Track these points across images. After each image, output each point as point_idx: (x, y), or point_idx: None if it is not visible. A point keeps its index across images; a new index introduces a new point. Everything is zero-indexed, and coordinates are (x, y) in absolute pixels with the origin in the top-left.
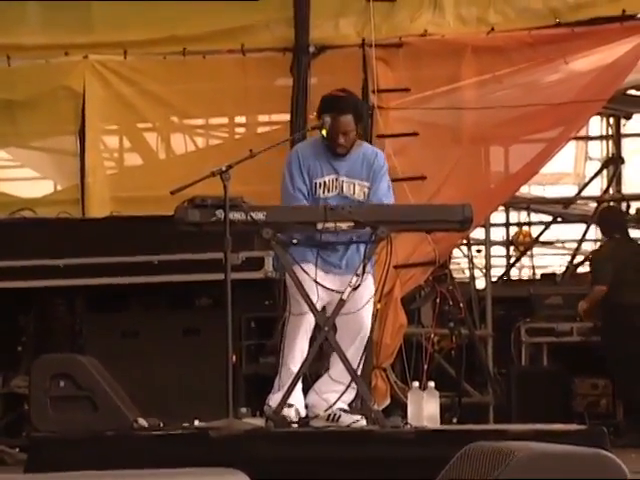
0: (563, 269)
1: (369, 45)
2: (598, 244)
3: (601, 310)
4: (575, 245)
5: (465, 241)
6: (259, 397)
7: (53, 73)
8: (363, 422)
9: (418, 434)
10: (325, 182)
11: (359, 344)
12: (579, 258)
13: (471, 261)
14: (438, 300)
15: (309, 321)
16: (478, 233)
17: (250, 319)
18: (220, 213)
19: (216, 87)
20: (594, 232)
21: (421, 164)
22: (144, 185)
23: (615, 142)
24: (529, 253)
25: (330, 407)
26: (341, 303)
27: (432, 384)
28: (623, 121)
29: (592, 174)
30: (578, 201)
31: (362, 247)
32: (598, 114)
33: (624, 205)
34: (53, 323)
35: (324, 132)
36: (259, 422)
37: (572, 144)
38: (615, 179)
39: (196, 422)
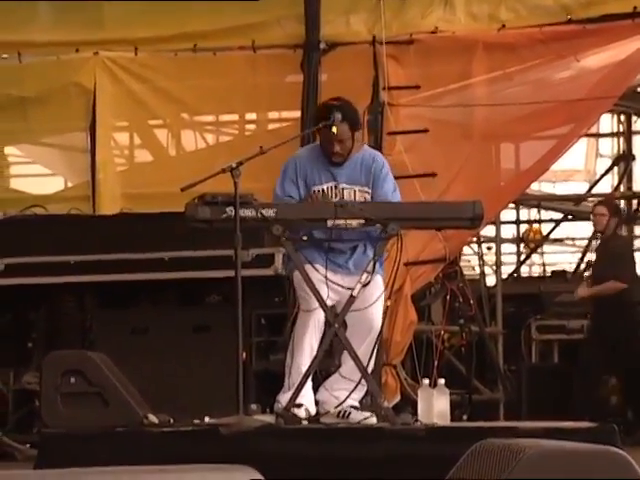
0: (573, 266)
1: (380, 42)
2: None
3: (616, 306)
4: (585, 242)
5: (475, 238)
6: (269, 394)
7: (64, 70)
8: (373, 419)
9: (428, 431)
10: (324, 190)
11: (369, 342)
12: (589, 255)
13: (481, 258)
14: (448, 297)
15: (318, 318)
16: (488, 230)
17: (260, 316)
18: (230, 210)
19: (226, 84)
20: None
21: (432, 161)
22: (154, 182)
23: (626, 139)
24: (539, 250)
25: (340, 404)
26: (351, 300)
27: (442, 381)
28: (634, 118)
29: (603, 171)
30: (589, 198)
31: (369, 249)
32: (609, 111)
33: (635, 202)
34: (63, 319)
35: (334, 129)
36: (269, 419)
37: (583, 141)
38: (626, 176)
39: (206, 418)
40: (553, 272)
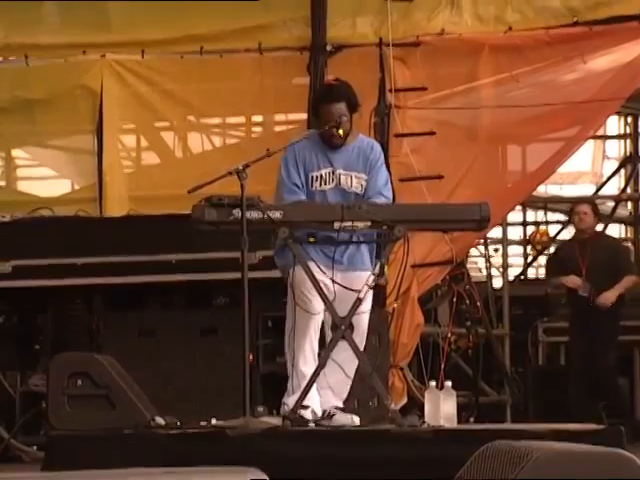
0: None
1: (386, 44)
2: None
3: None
4: None
5: (482, 240)
6: (276, 396)
7: (71, 72)
8: (357, 420)
9: (435, 433)
10: (322, 175)
11: (358, 342)
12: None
13: (488, 260)
14: (455, 299)
15: (318, 321)
16: (495, 232)
17: (267, 318)
18: (237, 212)
19: (233, 86)
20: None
21: (438, 163)
22: (161, 184)
23: (633, 141)
24: (546, 252)
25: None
26: (358, 302)
27: (449, 383)
28: None
29: (609, 173)
30: (596, 200)
31: (363, 245)
32: (616, 113)
33: None
34: (71, 322)
35: (341, 132)
36: (276, 421)
37: (590, 143)
38: (633, 178)
39: (213, 421)
40: None
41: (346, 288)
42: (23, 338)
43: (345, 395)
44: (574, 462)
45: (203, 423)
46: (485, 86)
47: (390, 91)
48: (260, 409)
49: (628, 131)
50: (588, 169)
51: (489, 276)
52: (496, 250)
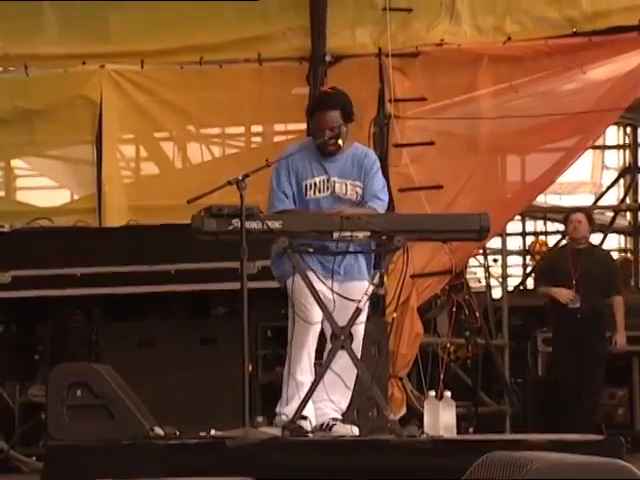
0: None
1: (385, 54)
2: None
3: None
4: None
5: (481, 250)
6: (275, 406)
7: (70, 82)
8: (356, 430)
9: (434, 444)
10: (315, 183)
11: (354, 351)
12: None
13: (487, 270)
14: (454, 309)
15: (316, 330)
16: (494, 242)
17: (266, 328)
18: (236, 222)
19: (232, 96)
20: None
21: (438, 173)
22: (161, 194)
23: (632, 151)
24: None
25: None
26: (357, 312)
27: (448, 393)
28: None
29: (609, 183)
30: (595, 210)
31: (360, 255)
32: (615, 123)
33: None
34: (70, 332)
35: (340, 142)
36: (275, 431)
37: (589, 153)
38: (632, 188)
39: (212, 431)
40: None
41: (345, 298)
42: (22, 348)
43: (345, 406)
44: (573, 473)
45: (202, 433)
46: (484, 96)
47: (389, 101)
48: (259, 419)
49: (627, 141)
50: (587, 179)
51: (488, 286)
52: (495, 260)
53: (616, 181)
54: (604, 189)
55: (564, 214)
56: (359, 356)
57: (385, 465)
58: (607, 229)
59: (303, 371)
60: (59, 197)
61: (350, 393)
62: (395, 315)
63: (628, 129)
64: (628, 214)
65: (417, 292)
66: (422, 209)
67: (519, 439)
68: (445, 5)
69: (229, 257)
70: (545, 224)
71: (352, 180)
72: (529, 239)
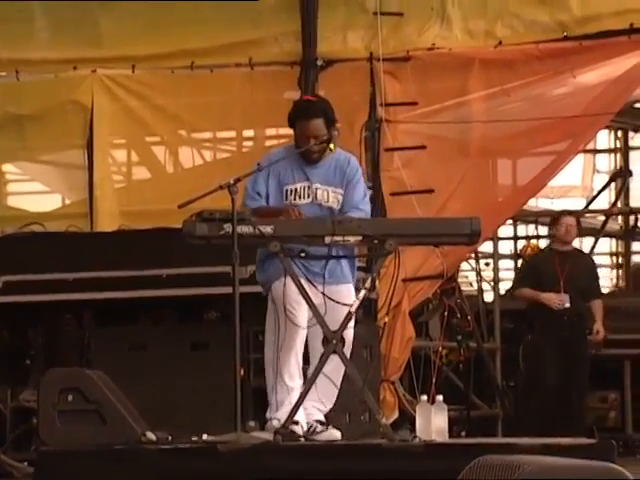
0: None
1: (377, 59)
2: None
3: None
4: None
5: (473, 254)
6: (267, 411)
7: (61, 87)
8: (338, 434)
9: (427, 448)
10: (297, 189)
11: (339, 360)
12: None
13: (479, 274)
14: (446, 313)
15: (303, 335)
16: (486, 246)
17: (258, 332)
18: (228, 226)
19: (224, 101)
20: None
21: (429, 177)
22: (152, 199)
23: (623, 155)
24: None
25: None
26: (349, 316)
27: (440, 397)
28: (631, 134)
29: (600, 187)
30: (586, 214)
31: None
32: (606, 127)
33: (632, 218)
34: (62, 337)
35: (331, 146)
36: (267, 436)
37: (580, 157)
38: (623, 192)
39: (204, 436)
40: None
41: (335, 301)
42: (14, 353)
43: (330, 406)
44: (564, 476)
45: (194, 438)
46: (475, 100)
47: (381, 105)
48: (251, 424)
49: (618, 145)
50: (578, 183)
51: (480, 290)
52: (487, 264)
53: (607, 185)
54: (595, 193)
55: (552, 216)
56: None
57: (377, 469)
58: (598, 233)
59: (292, 375)
60: (51, 202)
61: (337, 389)
62: (387, 319)
63: (619, 133)
64: (619, 218)
65: (409, 296)
66: (414, 213)
67: (511, 443)
68: (436, 9)
69: (221, 262)
70: (537, 228)
71: (334, 187)
72: (520, 243)
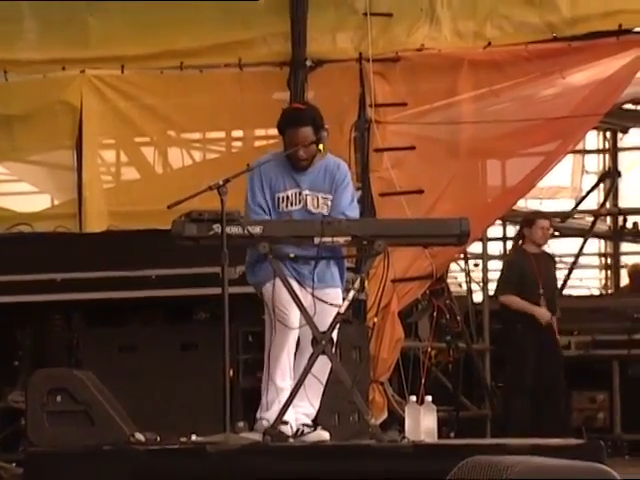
0: (560, 283)
1: (366, 59)
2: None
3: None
4: (572, 259)
5: (462, 255)
6: (256, 412)
7: (50, 88)
8: (326, 435)
9: (416, 448)
10: (288, 196)
11: (325, 359)
12: (576, 272)
13: (468, 275)
14: (435, 314)
15: (295, 336)
16: (475, 247)
17: (247, 333)
18: (217, 227)
19: (213, 101)
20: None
21: (418, 178)
22: (141, 199)
23: (612, 156)
24: None
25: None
26: (338, 317)
27: (429, 398)
28: (620, 135)
29: (589, 188)
30: (575, 215)
31: (332, 261)
32: (595, 128)
33: (620, 219)
34: (50, 337)
35: (321, 147)
36: (256, 436)
37: (569, 158)
38: (612, 193)
39: (193, 437)
40: None
41: (324, 302)
42: (2, 354)
43: (317, 405)
44: (553, 477)
45: (183, 439)
46: (465, 101)
47: (370, 106)
48: (240, 425)
49: (607, 146)
50: (567, 184)
51: (469, 291)
52: (476, 265)
53: (596, 185)
54: (584, 193)
55: (526, 217)
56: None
57: (366, 470)
58: (587, 233)
59: (283, 376)
60: (39, 202)
61: (322, 386)
62: (376, 320)
63: (608, 134)
64: (608, 218)
65: (398, 297)
66: (403, 214)
67: (500, 443)
68: (425, 10)
69: (210, 262)
70: None
71: (323, 193)
72: (509, 244)
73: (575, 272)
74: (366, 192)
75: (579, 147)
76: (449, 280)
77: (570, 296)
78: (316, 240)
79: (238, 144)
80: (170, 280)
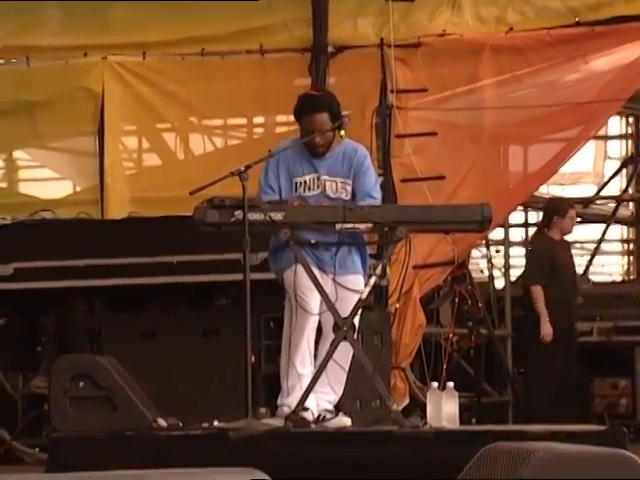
0: (582, 269)
1: (388, 45)
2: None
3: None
4: (594, 245)
5: (484, 241)
6: (278, 397)
7: (72, 74)
8: (348, 421)
9: (437, 434)
10: (306, 181)
11: (347, 345)
12: (598, 258)
13: (490, 261)
14: (457, 300)
15: (315, 321)
16: (497, 233)
17: (269, 319)
18: (239, 213)
19: (234, 87)
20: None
21: (440, 164)
22: (163, 185)
23: (634, 141)
24: None
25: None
26: (360, 303)
27: (451, 384)
28: None
29: (611, 173)
30: (597, 201)
31: (353, 247)
32: (617, 113)
33: None
34: (73, 323)
35: (342, 132)
36: (278, 422)
37: (591, 143)
38: (634, 178)
39: (215, 422)
40: None
41: (346, 288)
42: (25, 340)
43: (342, 387)
44: (575, 463)
45: (205, 425)
46: (486, 87)
47: (391, 92)
48: (262, 410)
49: (630, 131)
50: (590, 169)
51: (491, 277)
52: (498, 251)
53: (618, 171)
54: (606, 179)
55: (558, 205)
56: None
57: (388, 456)
58: (609, 219)
59: (303, 362)
60: (61, 189)
61: (345, 373)
62: (398, 306)
63: (630, 119)
64: (631, 204)
65: (419, 283)
66: (424, 200)
67: (522, 429)
68: None
69: (231, 248)
70: None
71: (342, 178)
72: (531, 230)
73: (597, 258)
74: (387, 178)
75: (601, 132)
76: (471, 266)
77: (592, 282)
78: (337, 226)
79: (259, 130)
80: (192, 266)
